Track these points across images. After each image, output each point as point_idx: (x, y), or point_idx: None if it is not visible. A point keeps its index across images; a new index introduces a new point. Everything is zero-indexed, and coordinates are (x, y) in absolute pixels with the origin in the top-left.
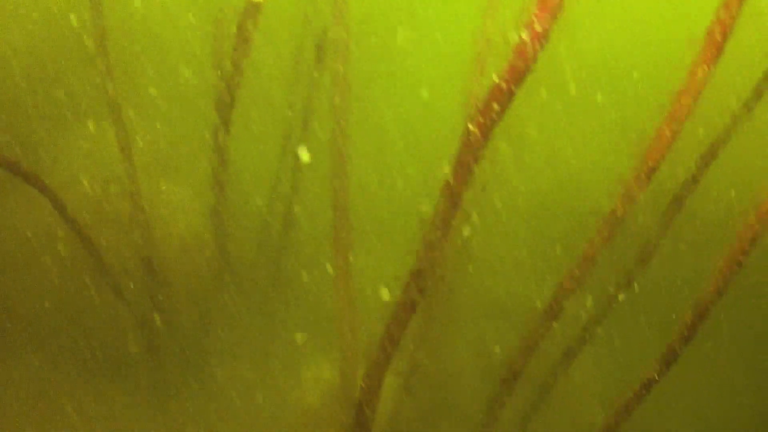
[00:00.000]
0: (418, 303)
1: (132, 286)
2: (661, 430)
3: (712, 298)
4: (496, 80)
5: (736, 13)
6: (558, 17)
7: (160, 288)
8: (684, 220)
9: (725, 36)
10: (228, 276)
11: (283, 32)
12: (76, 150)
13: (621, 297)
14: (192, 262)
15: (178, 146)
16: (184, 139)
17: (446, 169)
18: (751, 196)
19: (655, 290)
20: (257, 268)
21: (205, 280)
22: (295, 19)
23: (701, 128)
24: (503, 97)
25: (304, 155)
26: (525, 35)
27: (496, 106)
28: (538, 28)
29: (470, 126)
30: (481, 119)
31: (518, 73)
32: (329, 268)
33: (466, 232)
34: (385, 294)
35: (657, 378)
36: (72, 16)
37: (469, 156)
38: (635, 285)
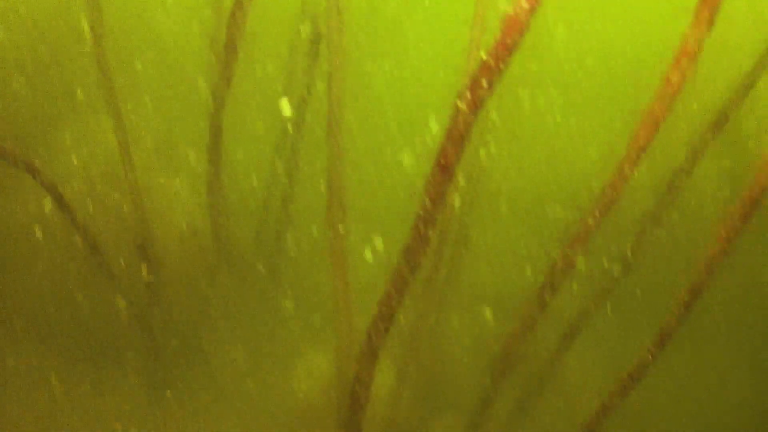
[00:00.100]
0: (409, 282)
1: (128, 276)
2: (656, 414)
3: (705, 278)
4: (484, 57)
5: None
6: None
7: (157, 277)
8: (680, 200)
9: (716, 8)
10: (224, 265)
11: (277, 10)
12: (74, 141)
13: (614, 281)
14: (188, 251)
15: (175, 136)
16: (180, 128)
17: (438, 146)
18: (747, 175)
19: (649, 271)
20: (254, 258)
21: (201, 269)
22: None
23: (695, 104)
24: (491, 73)
25: (286, 109)
26: (512, 11)
27: (484, 82)
28: (524, 4)
29: (459, 103)
30: (469, 96)
31: (506, 50)
32: (326, 255)
33: (458, 209)
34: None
35: (651, 360)
36: (70, 10)
37: (459, 133)
38: (630, 266)
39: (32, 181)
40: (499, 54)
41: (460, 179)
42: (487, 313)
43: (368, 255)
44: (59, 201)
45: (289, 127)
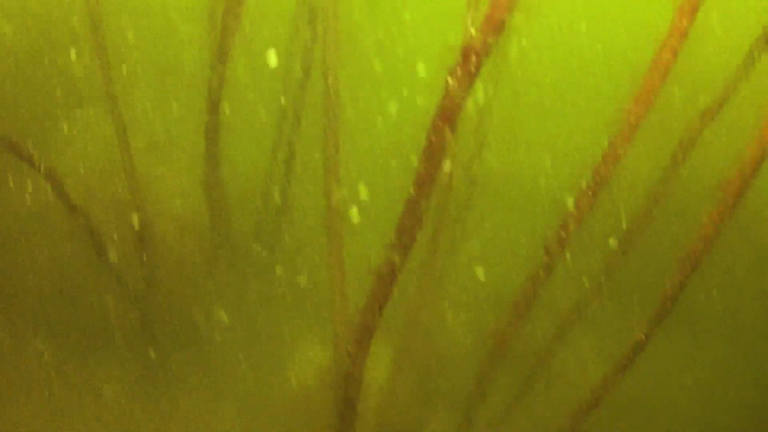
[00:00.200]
0: (402, 261)
1: (126, 263)
2: (651, 395)
3: (700, 255)
4: (473, 33)
5: None
6: None
7: (155, 264)
8: (676, 179)
9: None
10: (222, 254)
11: None
12: (73, 130)
13: (609, 267)
14: (186, 238)
15: (172, 124)
16: (178, 117)
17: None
18: (741, 153)
19: (644, 255)
20: (251, 246)
21: (199, 257)
22: None
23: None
24: (480, 48)
25: (272, 60)
26: None
27: (473, 57)
28: None
29: (449, 78)
30: (459, 71)
31: (494, 26)
32: (324, 240)
33: (451, 191)
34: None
35: (645, 339)
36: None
37: (449, 108)
38: (625, 247)
39: (32, 170)
40: (487, 30)
41: (456, 164)
42: (483, 300)
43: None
44: (58, 189)
45: (288, 113)
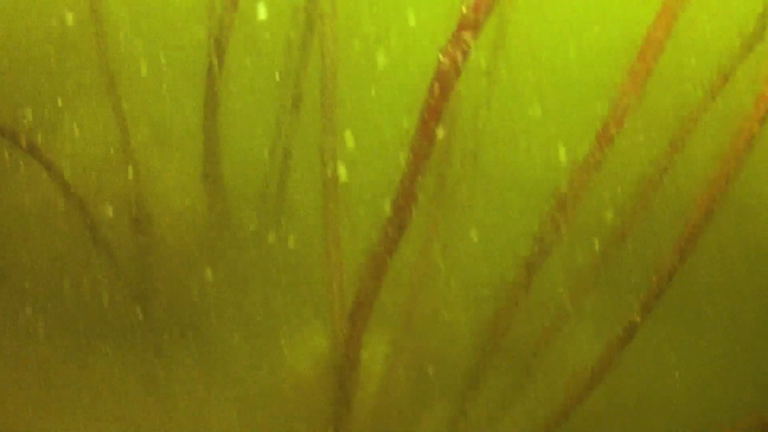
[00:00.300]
0: (395, 242)
1: (125, 252)
2: (646, 376)
3: (695, 234)
4: (464, 10)
5: None
6: None
7: (155, 255)
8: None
9: None
10: (222, 242)
11: None
12: (74, 122)
13: (604, 252)
14: (186, 228)
15: (172, 115)
16: (178, 107)
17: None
18: (736, 134)
19: (640, 234)
20: (252, 235)
21: (199, 246)
22: None
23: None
24: (471, 26)
25: (262, 13)
26: None
27: (465, 35)
28: None
29: (440, 57)
30: (450, 49)
31: (487, 3)
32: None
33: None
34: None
35: (639, 321)
36: None
37: (442, 87)
38: (619, 228)
39: (32, 160)
40: (479, 7)
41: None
42: (479, 288)
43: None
44: (59, 179)
45: (287, 101)
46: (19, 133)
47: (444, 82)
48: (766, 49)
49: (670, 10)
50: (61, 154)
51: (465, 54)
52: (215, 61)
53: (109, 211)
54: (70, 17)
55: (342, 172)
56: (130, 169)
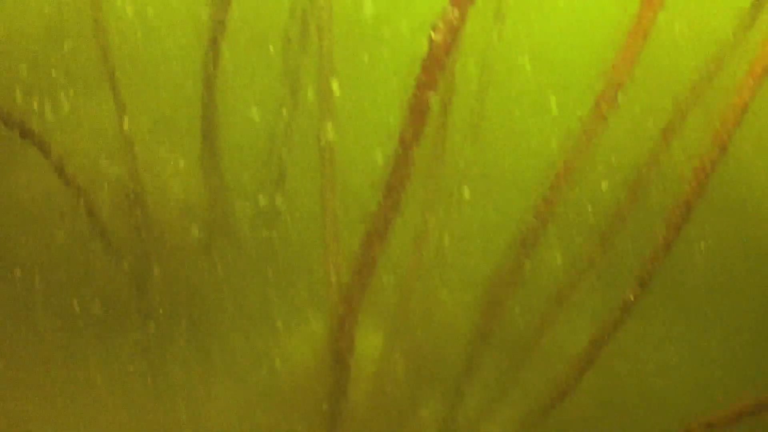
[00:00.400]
0: (391, 219)
1: (126, 241)
2: (641, 358)
3: (684, 213)
4: None
5: None
6: None
7: (154, 246)
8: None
9: None
10: (220, 229)
11: None
12: (75, 114)
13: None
14: (185, 215)
15: (170, 109)
16: (176, 95)
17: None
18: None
19: (632, 218)
20: (250, 222)
21: (197, 233)
22: None
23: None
24: (461, 2)
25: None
26: None
27: (456, 11)
28: None
29: (432, 33)
30: (441, 26)
31: None
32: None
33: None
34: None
35: (633, 300)
36: None
37: (433, 64)
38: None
39: (32, 148)
40: None
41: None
42: (473, 274)
43: None
44: (59, 170)
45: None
46: (17, 121)
47: (435, 58)
48: (762, 26)
49: None
50: (60, 142)
51: (455, 31)
52: (213, 49)
53: (108, 199)
54: (69, 5)
55: (336, 139)
56: (129, 156)
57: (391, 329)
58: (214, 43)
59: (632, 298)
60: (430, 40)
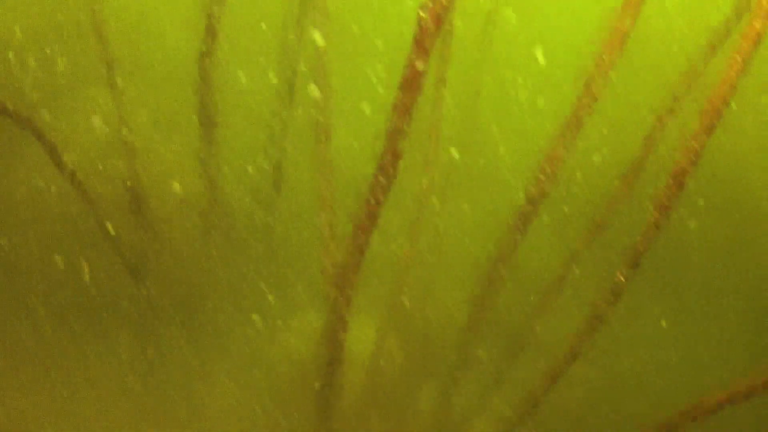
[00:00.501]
0: (383, 199)
1: (125, 233)
2: (635, 337)
3: (674, 192)
4: None
5: None
6: None
7: (152, 238)
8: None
9: None
10: (219, 225)
11: None
12: (75, 108)
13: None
14: (184, 212)
15: (169, 99)
16: (174, 91)
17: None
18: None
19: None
20: (248, 218)
21: (196, 228)
22: None
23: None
24: None
25: None
26: None
27: None
28: None
29: (421, 13)
30: (431, 4)
31: None
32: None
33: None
34: None
35: (624, 282)
36: None
37: (424, 41)
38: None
39: (35, 143)
40: None
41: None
42: (465, 264)
43: None
44: (59, 163)
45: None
46: (20, 116)
47: (425, 37)
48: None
49: None
50: (62, 137)
51: (444, 9)
52: (208, 43)
53: (108, 193)
54: (70, 2)
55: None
56: (128, 151)
57: (386, 320)
58: (209, 33)
59: (623, 280)
60: (419, 19)
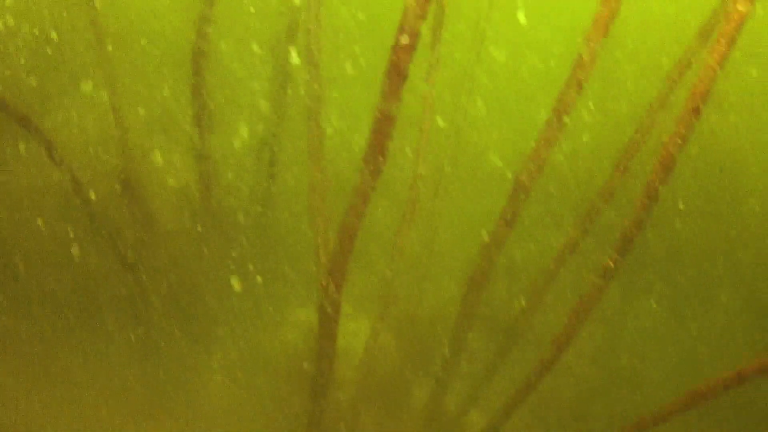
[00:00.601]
0: (373, 183)
1: (121, 232)
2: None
3: (662, 176)
4: None
5: None
6: None
7: (148, 233)
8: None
9: None
10: (213, 221)
11: None
12: (72, 105)
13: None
14: (178, 202)
15: (165, 96)
16: (169, 88)
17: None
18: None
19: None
20: (243, 214)
21: (191, 224)
22: None
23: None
24: None
25: None
26: None
27: None
28: None
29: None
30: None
31: None
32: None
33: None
34: None
35: (614, 266)
36: None
37: (413, 21)
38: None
39: (32, 139)
40: None
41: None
42: (457, 260)
43: None
44: (57, 159)
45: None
46: (17, 112)
47: (415, 15)
48: None
49: None
50: (59, 133)
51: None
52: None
53: (104, 188)
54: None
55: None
56: (124, 146)
57: (377, 318)
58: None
59: (612, 265)
60: (406, 8)
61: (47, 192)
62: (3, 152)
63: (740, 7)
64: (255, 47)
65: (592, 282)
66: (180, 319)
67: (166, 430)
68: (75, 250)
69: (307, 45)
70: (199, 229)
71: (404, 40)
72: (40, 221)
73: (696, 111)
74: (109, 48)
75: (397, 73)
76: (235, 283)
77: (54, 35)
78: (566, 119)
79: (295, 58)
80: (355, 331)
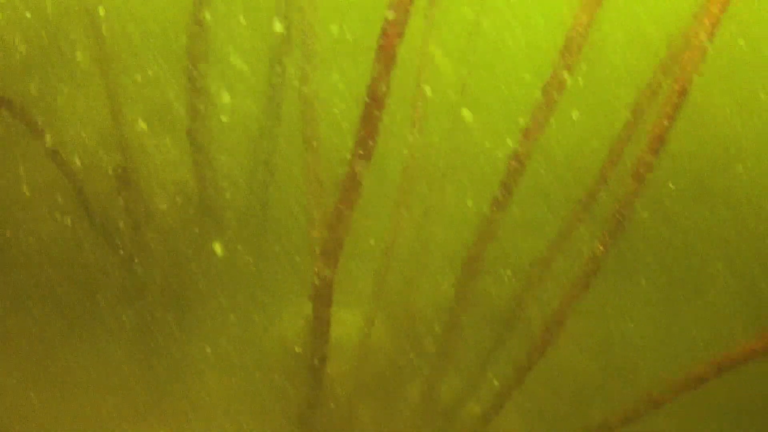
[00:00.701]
0: (363, 171)
1: (118, 229)
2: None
3: (649, 159)
4: None
5: None
6: None
7: (146, 230)
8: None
9: None
10: (211, 218)
11: None
12: (70, 103)
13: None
14: (176, 199)
15: (162, 94)
16: (166, 86)
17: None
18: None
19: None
20: (241, 210)
21: (188, 222)
22: None
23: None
24: None
25: None
26: None
27: None
28: None
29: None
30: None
31: None
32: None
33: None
34: None
35: (604, 250)
36: None
37: (401, 11)
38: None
39: (30, 133)
40: None
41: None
42: (451, 252)
43: None
44: (55, 157)
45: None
46: (17, 110)
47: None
48: None
49: None
50: (56, 130)
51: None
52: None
53: (102, 185)
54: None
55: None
56: (122, 143)
57: (372, 313)
58: (198, 20)
59: (602, 249)
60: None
61: (44, 186)
62: (1, 150)
63: None
64: (246, 20)
65: (582, 267)
66: (176, 313)
67: (162, 422)
68: (71, 247)
69: (301, 25)
70: (195, 220)
71: (390, 16)
72: (35, 216)
73: (682, 92)
74: (105, 33)
75: (385, 55)
76: (231, 275)
77: (50, 24)
78: (557, 97)
79: (283, 29)
80: (348, 322)
